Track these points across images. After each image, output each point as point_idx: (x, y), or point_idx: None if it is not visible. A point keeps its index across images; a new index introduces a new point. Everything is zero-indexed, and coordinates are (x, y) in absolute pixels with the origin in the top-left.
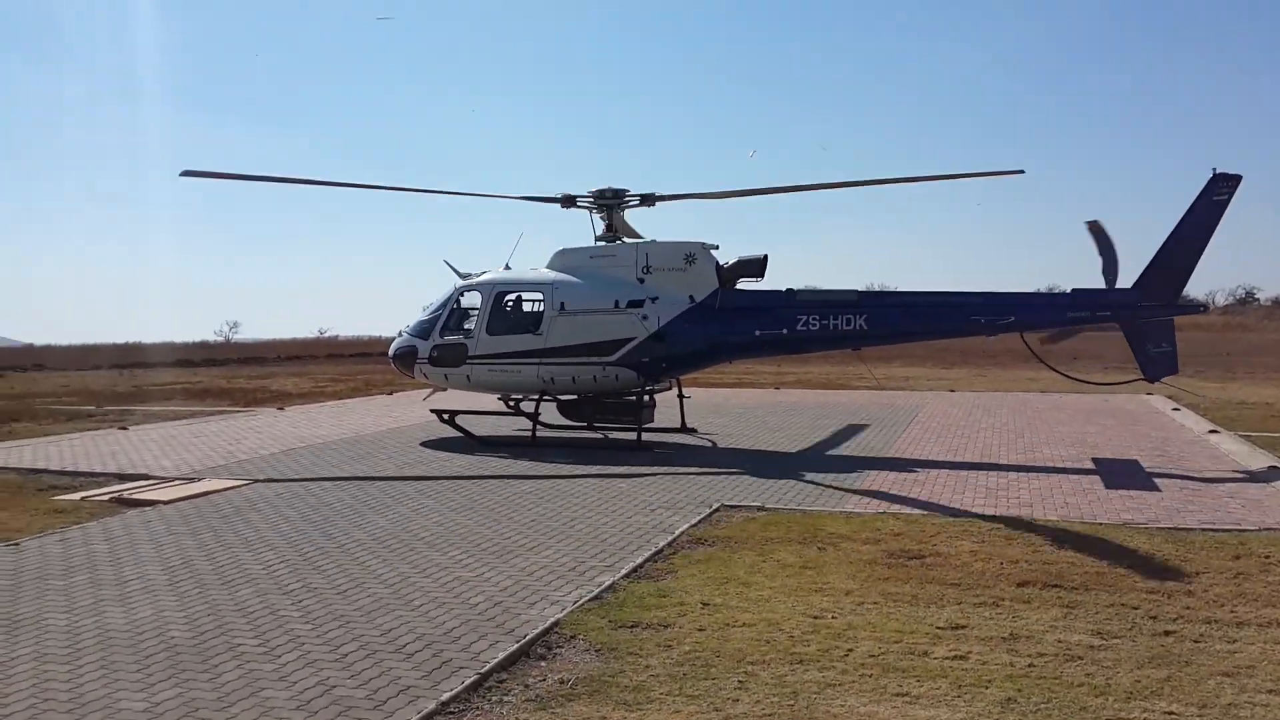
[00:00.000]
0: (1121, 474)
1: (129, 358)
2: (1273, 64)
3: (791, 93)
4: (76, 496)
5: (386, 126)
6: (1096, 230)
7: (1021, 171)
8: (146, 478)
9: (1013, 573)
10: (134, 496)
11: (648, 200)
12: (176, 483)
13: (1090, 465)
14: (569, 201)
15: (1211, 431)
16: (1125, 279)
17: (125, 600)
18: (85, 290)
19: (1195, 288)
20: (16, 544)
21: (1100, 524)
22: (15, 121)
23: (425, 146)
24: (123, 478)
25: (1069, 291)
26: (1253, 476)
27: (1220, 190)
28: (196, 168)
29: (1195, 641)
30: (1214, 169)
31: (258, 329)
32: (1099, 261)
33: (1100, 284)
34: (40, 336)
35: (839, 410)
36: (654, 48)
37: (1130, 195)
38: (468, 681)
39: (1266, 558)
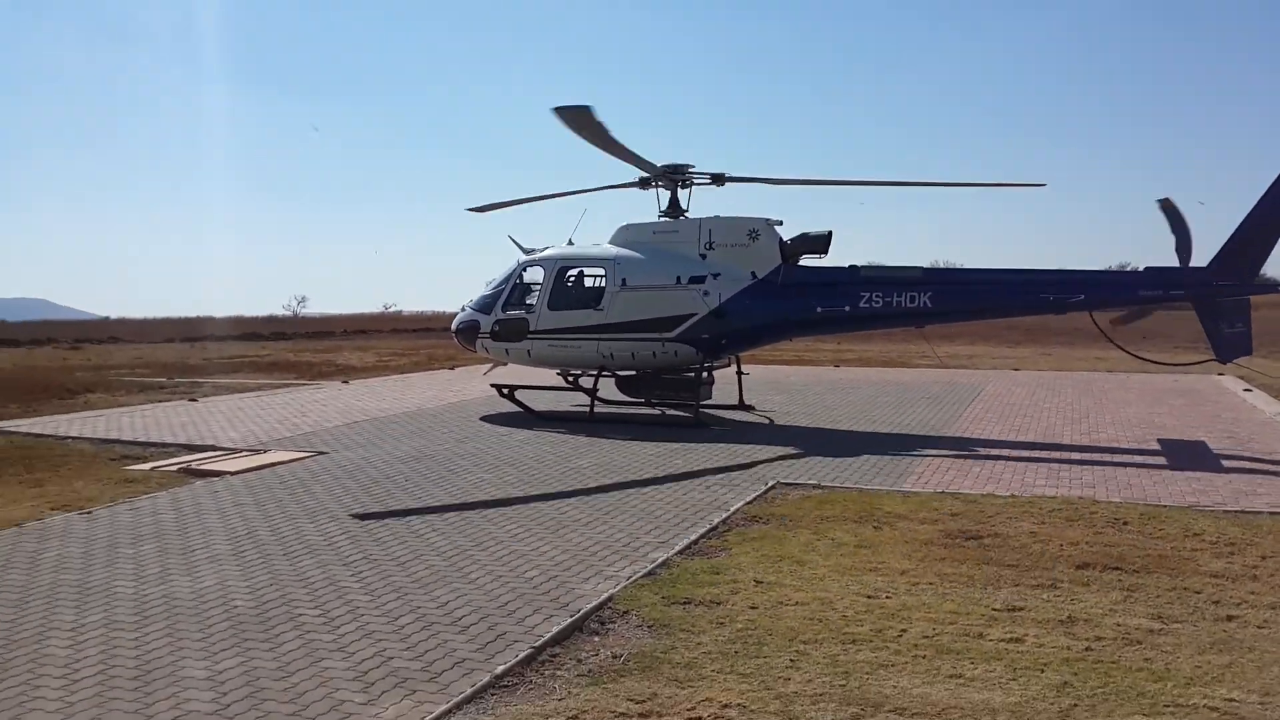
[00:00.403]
0: (1188, 456)
1: (199, 331)
2: None
3: (822, 82)
4: (147, 467)
5: (432, 108)
6: (1169, 208)
7: (1043, 184)
8: (214, 449)
9: (1072, 554)
10: (202, 467)
11: (718, 180)
12: (243, 454)
13: (1156, 446)
14: (645, 184)
15: None
16: (1199, 259)
17: (191, 569)
18: (158, 266)
19: (1271, 266)
20: (89, 513)
21: (1164, 506)
22: (85, 105)
23: (471, 126)
24: (191, 449)
25: (1143, 270)
26: None
27: None
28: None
29: (1259, 628)
30: None
31: (324, 304)
32: (1173, 240)
33: (1174, 262)
34: (115, 310)
35: (899, 388)
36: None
37: (1210, 178)
38: (521, 655)
39: None
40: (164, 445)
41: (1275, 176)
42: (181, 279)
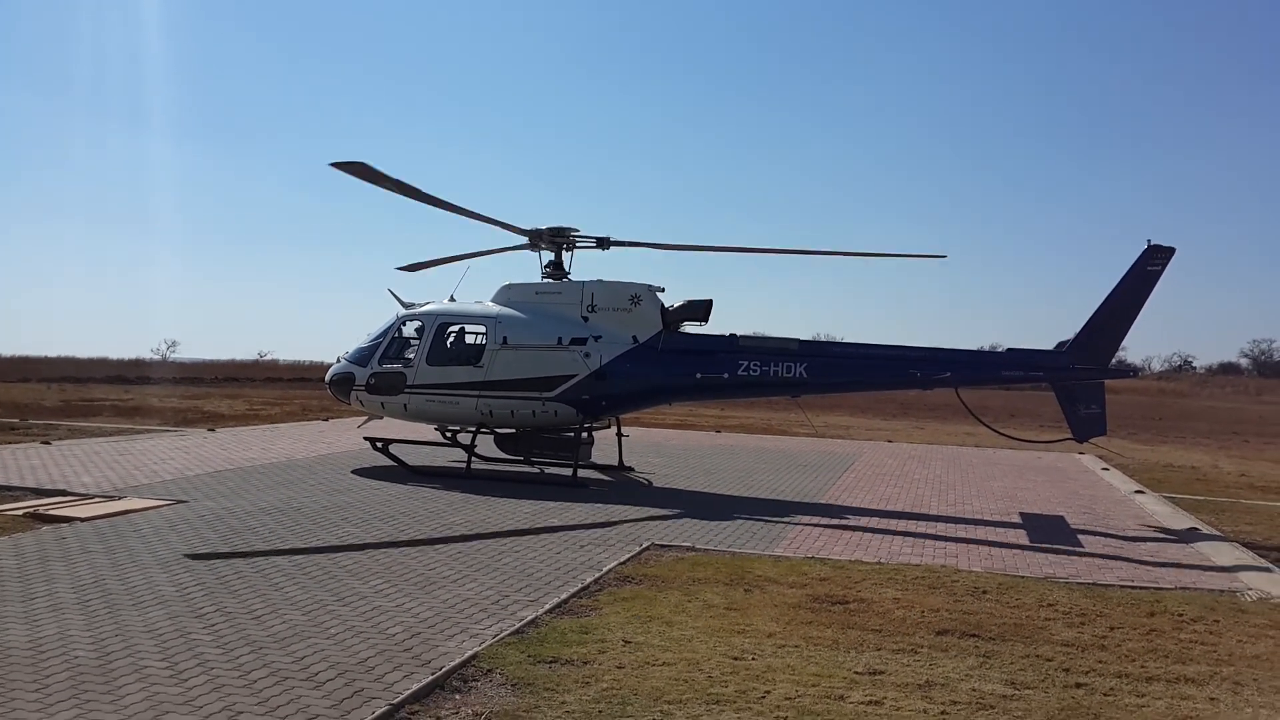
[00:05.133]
0: (1047, 529)
1: (59, 372)
2: (1207, 143)
3: (745, 143)
4: None
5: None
6: None
7: (944, 256)
8: (65, 494)
9: (933, 621)
10: (50, 512)
11: (602, 244)
12: (96, 500)
13: (1017, 519)
14: (536, 237)
15: (1137, 492)
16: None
17: (30, 618)
18: (23, 303)
19: (1133, 353)
20: None
21: (1022, 577)
22: None
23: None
24: (40, 493)
25: (1004, 350)
26: (1174, 537)
27: (1154, 261)
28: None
29: (1105, 694)
30: (1149, 240)
31: (197, 349)
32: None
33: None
34: None
35: (777, 455)
36: (608, 88)
37: (1071, 261)
38: (378, 712)
39: (1179, 616)
40: (10, 489)
41: (1129, 267)
42: (45, 318)
